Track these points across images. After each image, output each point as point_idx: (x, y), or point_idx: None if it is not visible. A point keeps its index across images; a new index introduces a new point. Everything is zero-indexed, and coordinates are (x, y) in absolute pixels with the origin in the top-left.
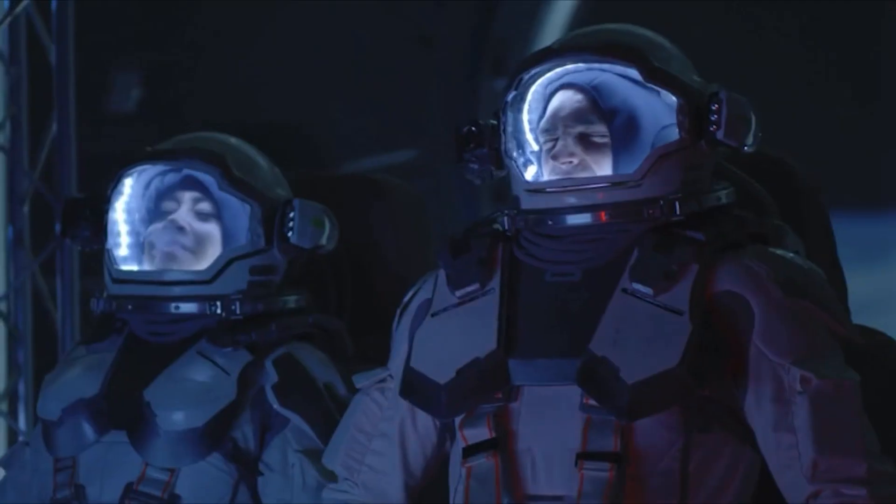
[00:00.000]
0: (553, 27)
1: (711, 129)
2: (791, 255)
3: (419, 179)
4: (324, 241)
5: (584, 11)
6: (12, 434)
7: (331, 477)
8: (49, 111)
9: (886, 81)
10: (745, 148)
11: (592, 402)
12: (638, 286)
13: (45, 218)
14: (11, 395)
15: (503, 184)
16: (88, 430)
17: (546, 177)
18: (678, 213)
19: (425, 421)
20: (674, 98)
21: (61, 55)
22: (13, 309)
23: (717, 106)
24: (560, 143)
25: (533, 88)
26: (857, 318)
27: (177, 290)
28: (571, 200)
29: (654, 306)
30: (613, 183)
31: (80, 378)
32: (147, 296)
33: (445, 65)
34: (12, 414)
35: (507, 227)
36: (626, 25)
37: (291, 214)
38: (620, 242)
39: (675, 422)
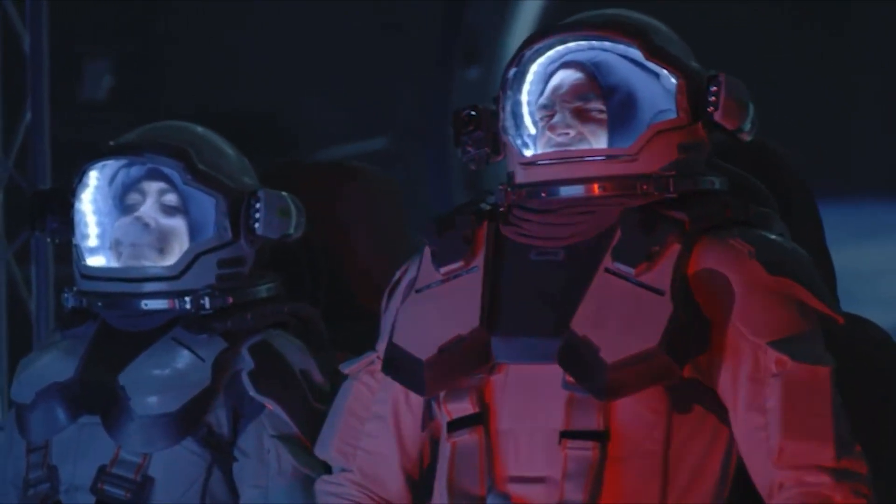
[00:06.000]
0: (526, 16)
1: (709, 109)
2: (775, 236)
3: (391, 167)
4: (291, 229)
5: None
6: None
7: (309, 463)
8: (23, 99)
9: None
10: (742, 133)
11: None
12: (620, 265)
13: (19, 206)
14: None
15: (477, 174)
16: (61, 414)
17: (542, 150)
18: (672, 190)
19: (419, 399)
20: (673, 80)
21: (35, 43)
22: None
23: (715, 87)
24: (558, 116)
25: (534, 68)
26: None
27: (145, 287)
28: (565, 173)
29: (635, 286)
30: (609, 156)
31: (54, 362)
32: (116, 293)
33: (417, 53)
34: None
35: (499, 202)
36: (627, 10)
37: (258, 206)
38: (608, 218)
39: (657, 402)
